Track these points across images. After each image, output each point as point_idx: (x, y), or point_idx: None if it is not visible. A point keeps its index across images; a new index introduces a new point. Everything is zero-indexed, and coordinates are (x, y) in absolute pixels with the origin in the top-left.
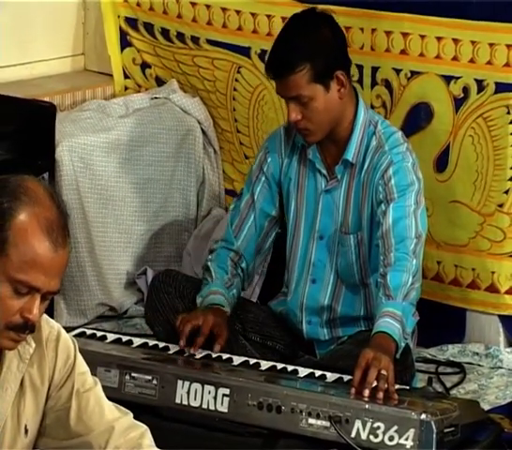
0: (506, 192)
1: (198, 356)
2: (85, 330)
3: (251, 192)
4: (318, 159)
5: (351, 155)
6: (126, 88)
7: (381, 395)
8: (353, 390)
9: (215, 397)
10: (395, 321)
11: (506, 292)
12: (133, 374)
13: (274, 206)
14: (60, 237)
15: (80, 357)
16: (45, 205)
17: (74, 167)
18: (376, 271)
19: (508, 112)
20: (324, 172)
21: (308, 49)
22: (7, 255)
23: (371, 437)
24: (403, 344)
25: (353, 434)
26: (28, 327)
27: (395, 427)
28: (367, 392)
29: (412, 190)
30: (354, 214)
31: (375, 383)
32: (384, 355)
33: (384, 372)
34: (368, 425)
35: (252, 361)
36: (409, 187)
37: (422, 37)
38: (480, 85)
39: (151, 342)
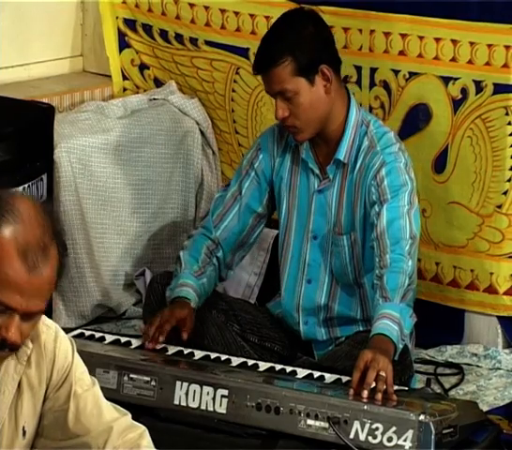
0: (505, 193)
1: (196, 357)
2: (84, 331)
3: (239, 186)
4: (311, 159)
5: (342, 154)
6: (124, 89)
7: (379, 396)
8: (351, 391)
9: (213, 399)
10: (393, 322)
11: (505, 293)
12: (132, 375)
13: (260, 204)
14: (38, 258)
15: (78, 358)
16: (27, 225)
17: (72, 168)
18: (370, 272)
19: (507, 114)
20: (317, 171)
21: (290, 42)
22: None
23: (370, 438)
24: (401, 346)
25: (351, 435)
26: (7, 346)
27: (393, 428)
28: (365, 393)
29: (405, 191)
30: (347, 214)
31: (374, 385)
32: (382, 357)
33: (382, 373)
34: (367, 426)
35: (251, 362)
36: (402, 188)
37: (420, 38)
38: (479, 86)
39: (149, 346)
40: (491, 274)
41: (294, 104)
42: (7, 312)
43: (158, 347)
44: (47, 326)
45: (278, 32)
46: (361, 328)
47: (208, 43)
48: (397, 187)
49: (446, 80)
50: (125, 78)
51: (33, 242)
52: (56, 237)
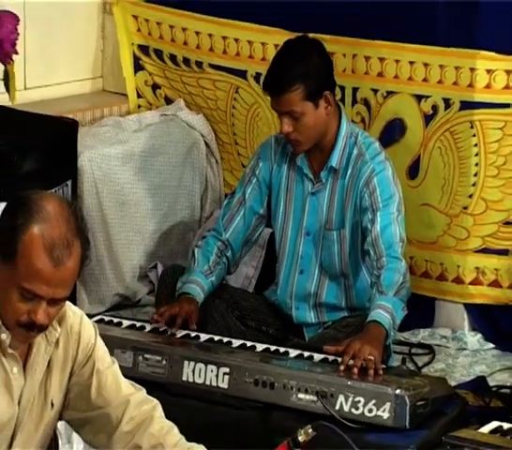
0: (470, 196)
1: (201, 339)
2: (104, 317)
3: (243, 192)
4: (305, 165)
5: (335, 162)
6: (139, 106)
7: (371, 372)
8: (342, 367)
9: (217, 375)
10: (385, 312)
11: (470, 283)
12: (145, 355)
13: (262, 205)
14: (62, 254)
15: (100, 340)
16: (53, 224)
17: (94, 175)
18: (354, 264)
19: (471, 127)
20: (311, 176)
21: (302, 71)
22: (16, 265)
23: (353, 409)
24: (393, 333)
25: (336, 407)
26: (35, 327)
27: (373, 401)
28: (355, 371)
29: (394, 201)
30: (338, 213)
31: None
32: (368, 346)
33: (370, 357)
34: (350, 399)
35: (249, 344)
36: (392, 198)
37: (397, 61)
38: (447, 103)
39: (161, 328)
40: (458, 266)
41: (300, 123)
42: (35, 299)
43: (162, 328)
44: (73, 312)
45: (290, 60)
46: (346, 314)
47: (212, 66)
48: (387, 196)
49: (419, 97)
50: (139, 96)
51: (58, 239)
52: (80, 233)
